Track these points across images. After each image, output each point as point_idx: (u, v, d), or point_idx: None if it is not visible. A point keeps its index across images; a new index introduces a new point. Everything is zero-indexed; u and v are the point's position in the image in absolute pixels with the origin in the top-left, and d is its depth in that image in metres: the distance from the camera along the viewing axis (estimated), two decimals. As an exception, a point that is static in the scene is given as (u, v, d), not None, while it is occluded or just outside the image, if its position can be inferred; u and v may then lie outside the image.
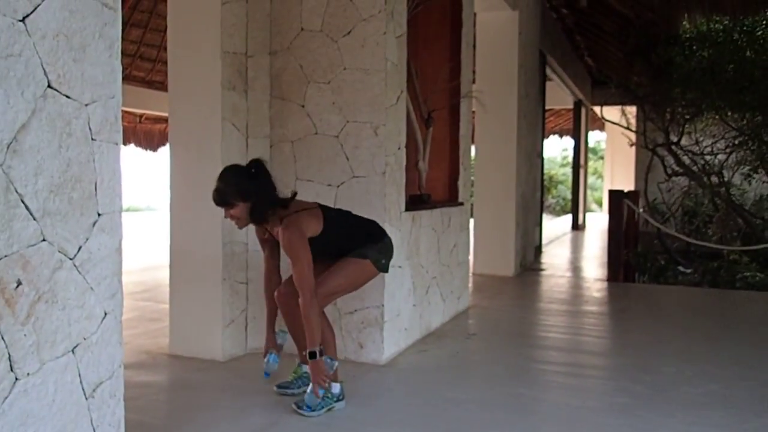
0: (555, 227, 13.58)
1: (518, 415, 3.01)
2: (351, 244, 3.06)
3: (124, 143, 13.51)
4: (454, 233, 4.93)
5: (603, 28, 8.68)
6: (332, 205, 3.73)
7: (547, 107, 14.21)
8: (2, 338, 1.59)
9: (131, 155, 15.23)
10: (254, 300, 3.90)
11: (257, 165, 2.95)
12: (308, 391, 2.95)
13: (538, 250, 9.03)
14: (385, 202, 3.69)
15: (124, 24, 10.13)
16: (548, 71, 9.55)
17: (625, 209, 7.45)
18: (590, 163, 26.95)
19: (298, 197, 3.23)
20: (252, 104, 3.84)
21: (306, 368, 3.26)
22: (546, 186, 19.21)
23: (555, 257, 8.87)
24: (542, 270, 7.63)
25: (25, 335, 1.65)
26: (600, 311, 5.45)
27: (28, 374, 1.67)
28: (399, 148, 3.88)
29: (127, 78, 11.06)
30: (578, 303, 5.69)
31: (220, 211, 3.65)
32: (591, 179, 23.78)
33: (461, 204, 5.06)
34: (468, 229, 5.32)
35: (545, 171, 19.99)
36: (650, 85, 8.06)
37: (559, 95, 12.40)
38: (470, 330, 4.70)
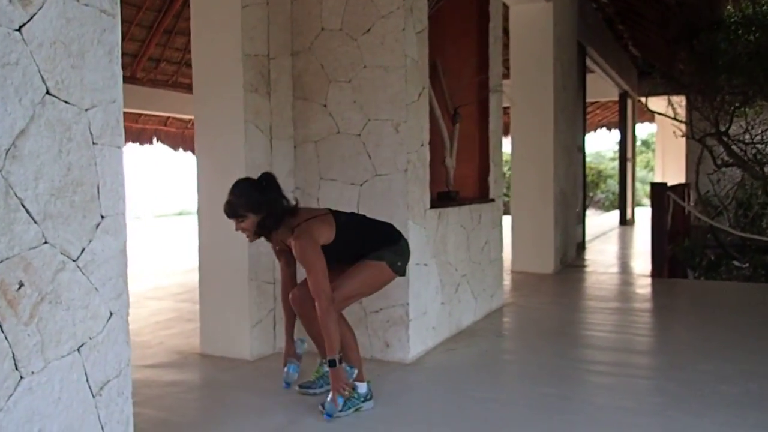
0: (601, 223, 13.27)
1: (542, 414, 2.95)
2: (366, 248, 3.02)
3: (174, 149, 13.86)
4: (485, 230, 4.87)
5: (645, 16, 8.42)
6: (356, 204, 3.75)
7: (592, 100, 13.96)
8: (6, 338, 1.64)
9: (182, 160, 15.58)
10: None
11: (267, 178, 2.96)
12: (328, 399, 2.91)
13: (582, 246, 8.85)
14: (408, 199, 3.67)
15: (170, 33, 10.41)
16: (589, 63, 9.34)
17: (671, 203, 7.23)
18: (643, 156, 26.29)
19: (322, 198, 3.20)
20: (275, 105, 3.87)
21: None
22: (594, 181, 18.85)
23: (599, 253, 8.66)
24: (584, 267, 7.46)
25: (28, 335, 1.70)
26: (640, 308, 5.29)
27: (32, 373, 1.71)
28: (422, 145, 3.85)
29: (173, 85, 11.37)
30: (618, 300, 5.54)
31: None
32: (643, 173, 23.19)
33: (492, 200, 4.98)
34: (501, 226, 5.24)
35: (593, 165, 19.64)
36: (695, 73, 7.78)
37: (604, 87, 12.12)
38: (503, 328, 4.64)
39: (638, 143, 26.72)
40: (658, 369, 3.68)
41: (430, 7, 4.00)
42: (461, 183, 4.82)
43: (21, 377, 1.69)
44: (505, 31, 7.13)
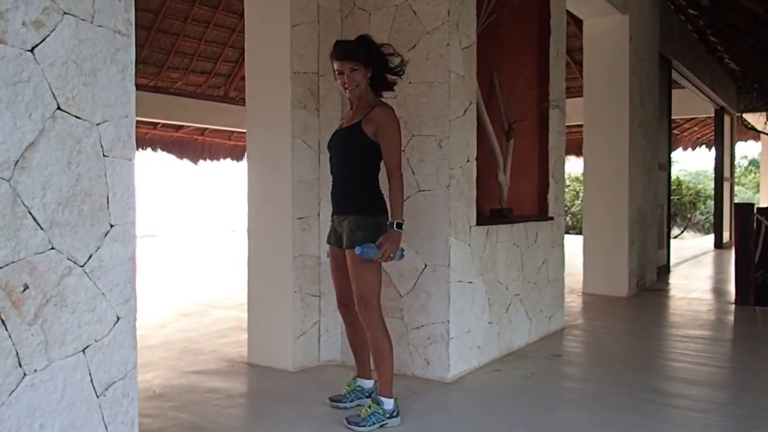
0: (694, 245, 12.55)
1: (571, 442, 2.82)
2: (366, 191, 3.02)
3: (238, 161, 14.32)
4: (542, 249, 4.72)
5: (736, 27, 7.96)
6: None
7: (688, 116, 13.30)
8: (9, 336, 1.76)
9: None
10: (327, 312, 3.97)
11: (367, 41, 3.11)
12: (372, 246, 2.90)
13: (666, 269, 8.40)
14: (450, 215, 3.63)
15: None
16: (678, 77, 8.92)
17: (763, 225, 6.74)
18: (750, 177, 24.69)
19: None
20: (324, 122, 3.94)
21: (360, 382, 3.28)
22: (692, 201, 17.86)
23: (684, 278, 8.19)
24: (663, 291, 7.07)
25: (32, 335, 1.81)
26: (713, 336, 4.95)
27: (35, 370, 1.82)
28: (467, 161, 3.80)
29: (235, 100, 11.96)
30: (691, 327, 5.21)
31: (291, 224, 3.79)
32: (748, 194, 21.76)
33: (551, 218, 4.83)
34: (562, 245, 5.07)
35: (691, 185, 18.59)
36: (789, 86, 7.26)
37: (699, 103, 11.52)
38: (559, 351, 4.46)
39: (745, 163, 25.15)
40: (717, 402, 3.42)
41: (480, 22, 3.96)
42: (519, 200, 4.71)
43: (24, 374, 1.79)
44: (580, 48, 6.95)
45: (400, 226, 2.94)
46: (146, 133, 12.56)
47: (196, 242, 14.63)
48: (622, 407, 3.28)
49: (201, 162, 14.31)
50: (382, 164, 3.06)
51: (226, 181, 23.07)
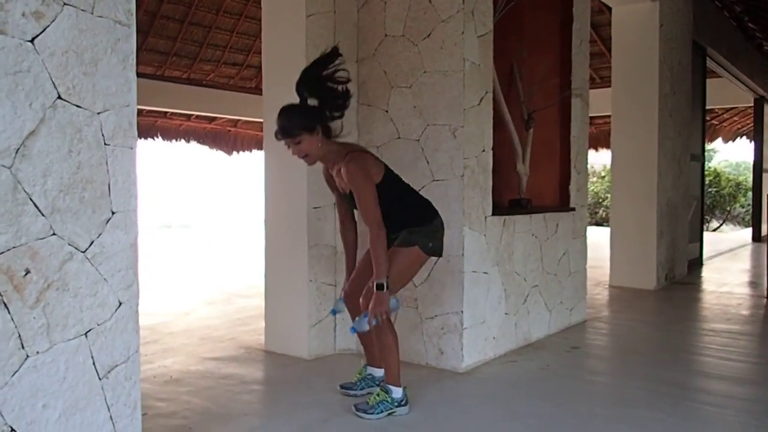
0: (731, 238, 12.22)
1: (579, 435, 2.78)
2: (399, 217, 2.98)
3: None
4: (563, 240, 4.66)
5: (773, 13, 7.71)
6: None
7: (728, 106, 12.92)
8: (12, 319, 1.81)
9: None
10: (343, 302, 3.99)
11: (305, 85, 2.95)
12: (360, 317, 2.93)
13: (698, 263, 8.21)
14: (464, 205, 3.60)
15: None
16: (714, 66, 8.69)
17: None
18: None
19: None
20: (340, 111, 3.94)
21: (370, 370, 3.30)
22: (732, 193, 17.40)
23: (717, 271, 7.99)
24: (693, 284, 6.92)
25: (34, 318, 1.86)
26: (740, 331, 4.82)
27: (37, 352, 1.87)
28: (483, 151, 3.76)
29: None
30: (718, 321, 5.09)
31: (306, 214, 3.82)
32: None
33: (572, 209, 4.76)
34: (584, 236, 4.99)
35: (732, 177, 18.10)
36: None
37: (739, 92, 11.19)
38: (578, 343, 4.41)
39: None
40: (737, 397, 3.33)
41: (498, 10, 3.91)
42: (539, 190, 4.65)
43: (26, 356, 1.85)
44: (610, 38, 6.82)
45: (380, 287, 2.85)
46: (180, 125, 12.75)
47: (229, 232, 14.83)
48: (638, 401, 3.23)
49: (234, 153, 14.48)
50: (400, 181, 3.11)
51: (259, 171, 23.38)
